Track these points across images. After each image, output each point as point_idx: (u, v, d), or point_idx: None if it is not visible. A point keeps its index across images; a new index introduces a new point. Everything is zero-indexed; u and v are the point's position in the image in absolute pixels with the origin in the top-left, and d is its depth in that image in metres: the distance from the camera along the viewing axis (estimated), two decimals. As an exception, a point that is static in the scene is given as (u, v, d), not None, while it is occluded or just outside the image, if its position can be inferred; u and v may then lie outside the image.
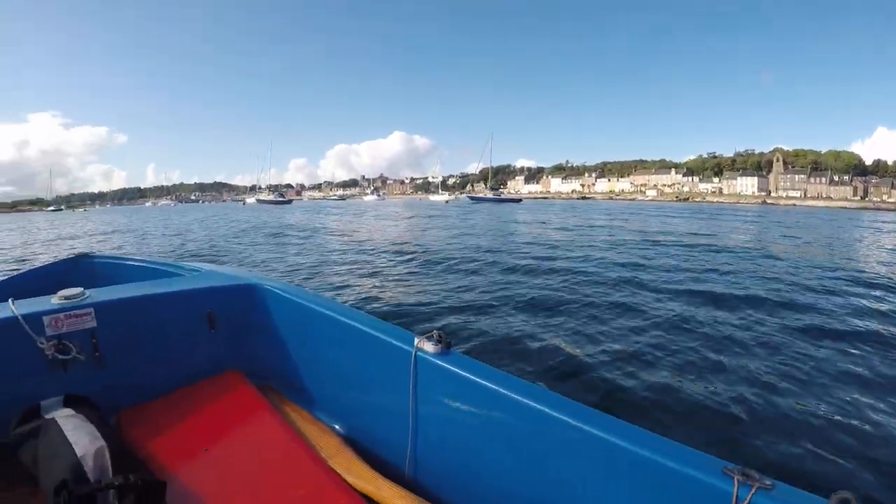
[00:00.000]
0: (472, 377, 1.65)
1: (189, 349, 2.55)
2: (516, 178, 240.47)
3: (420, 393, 1.83)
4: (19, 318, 2.09)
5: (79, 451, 1.63)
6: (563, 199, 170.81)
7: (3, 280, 3.35)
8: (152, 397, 2.40)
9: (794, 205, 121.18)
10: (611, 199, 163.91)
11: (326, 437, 2.19)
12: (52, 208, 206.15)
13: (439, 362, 1.75)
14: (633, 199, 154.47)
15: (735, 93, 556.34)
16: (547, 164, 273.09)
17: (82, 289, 2.34)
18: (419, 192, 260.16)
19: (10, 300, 2.23)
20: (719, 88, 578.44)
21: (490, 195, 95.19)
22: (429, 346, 1.79)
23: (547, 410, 1.47)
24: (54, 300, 2.26)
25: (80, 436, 1.71)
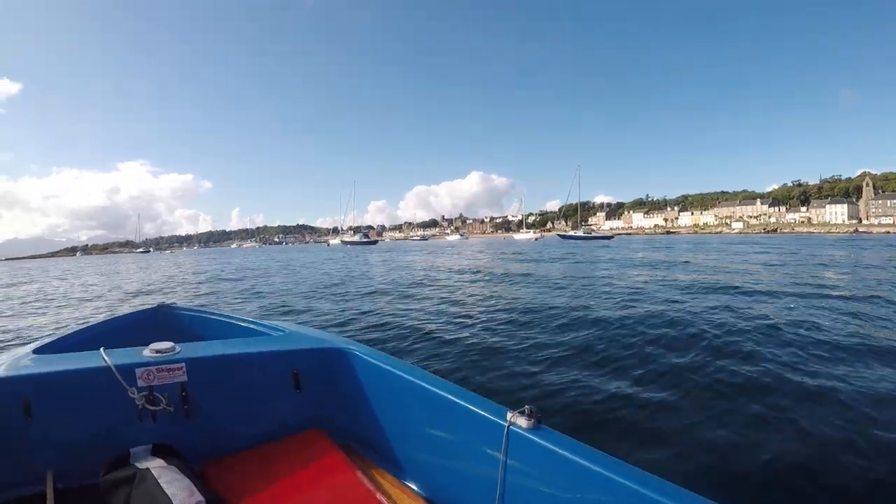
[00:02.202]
0: (564, 453, 1.61)
1: (274, 407, 2.58)
2: (597, 214, 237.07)
3: (510, 465, 1.77)
4: (112, 368, 2.12)
5: None
6: (647, 234, 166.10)
7: (88, 327, 3.33)
8: (236, 451, 2.40)
9: (889, 232, 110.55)
10: (695, 232, 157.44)
11: (412, 502, 2.17)
12: (140, 250, 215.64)
13: (532, 437, 1.71)
14: (720, 232, 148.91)
15: (815, 116, 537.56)
16: (625, 199, 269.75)
17: (173, 343, 2.39)
18: (499, 231, 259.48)
19: (101, 349, 2.26)
20: (799, 112, 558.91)
21: (580, 233, 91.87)
22: (521, 421, 1.74)
23: (643, 491, 1.42)
24: (146, 353, 2.31)
25: (176, 489, 1.73)
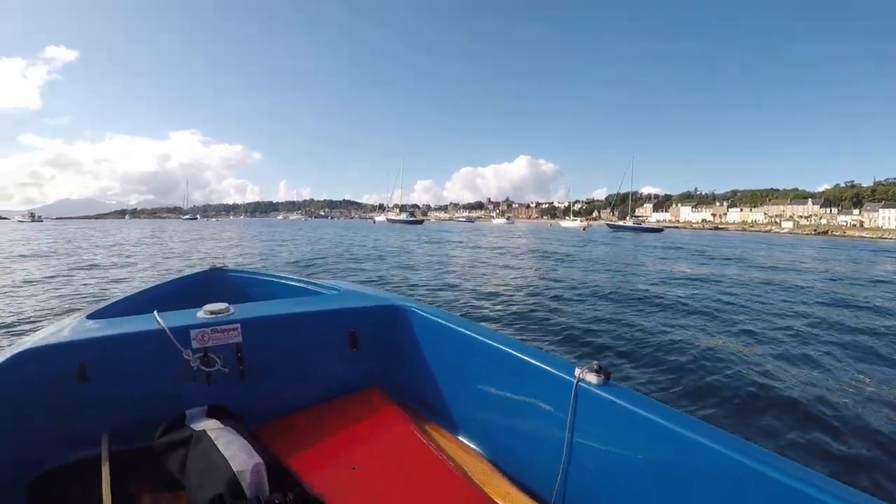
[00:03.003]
0: (637, 410, 1.58)
1: (330, 366, 2.57)
2: (644, 205, 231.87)
3: (578, 423, 1.75)
4: (167, 330, 2.16)
5: (235, 467, 1.65)
6: (694, 228, 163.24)
7: (141, 291, 3.36)
8: (292, 411, 2.43)
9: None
10: (743, 230, 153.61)
11: (474, 460, 2.16)
12: (187, 216, 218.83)
13: (602, 393, 1.69)
14: (769, 231, 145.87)
15: (869, 115, 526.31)
16: (673, 191, 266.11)
17: (227, 304, 2.41)
18: (545, 217, 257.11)
19: (154, 312, 2.31)
20: (855, 110, 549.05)
21: (630, 223, 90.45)
22: (591, 377, 1.71)
23: (723, 451, 1.38)
24: (200, 314, 2.34)
25: (234, 451, 1.73)
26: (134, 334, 2.18)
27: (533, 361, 1.94)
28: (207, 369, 2.22)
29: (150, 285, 3.57)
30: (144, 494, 1.91)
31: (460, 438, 2.31)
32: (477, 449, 2.23)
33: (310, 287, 3.25)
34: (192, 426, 1.97)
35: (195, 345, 2.23)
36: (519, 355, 2.00)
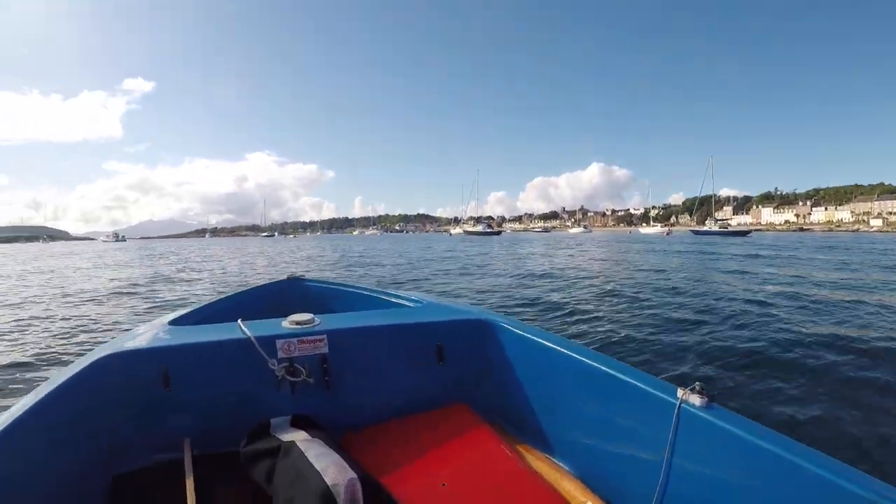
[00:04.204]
0: (742, 434, 1.48)
1: (416, 379, 2.54)
2: (723, 208, 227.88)
3: (678, 447, 1.66)
4: (253, 339, 2.18)
5: (328, 480, 1.61)
6: (778, 230, 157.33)
7: (220, 299, 3.38)
8: (377, 423, 2.41)
9: None
10: (830, 230, 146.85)
11: (567, 480, 2.06)
12: (265, 234, 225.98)
13: (706, 416, 1.59)
14: (856, 231, 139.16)
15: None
16: (752, 192, 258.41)
17: (312, 315, 2.43)
18: (621, 224, 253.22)
19: (238, 320, 2.36)
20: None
21: (716, 228, 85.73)
22: (695, 399, 1.63)
23: (838, 482, 1.27)
24: (285, 324, 2.37)
25: (326, 464, 1.69)
26: (218, 342, 2.22)
27: (632, 381, 1.87)
28: (293, 379, 2.24)
29: (228, 293, 3.64)
30: (226, 501, 1.93)
31: (550, 457, 2.22)
32: (570, 470, 2.14)
33: (391, 299, 3.28)
34: (277, 436, 1.99)
35: (281, 354, 2.25)
36: (615, 374, 1.93)
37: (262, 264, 25.03)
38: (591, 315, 8.26)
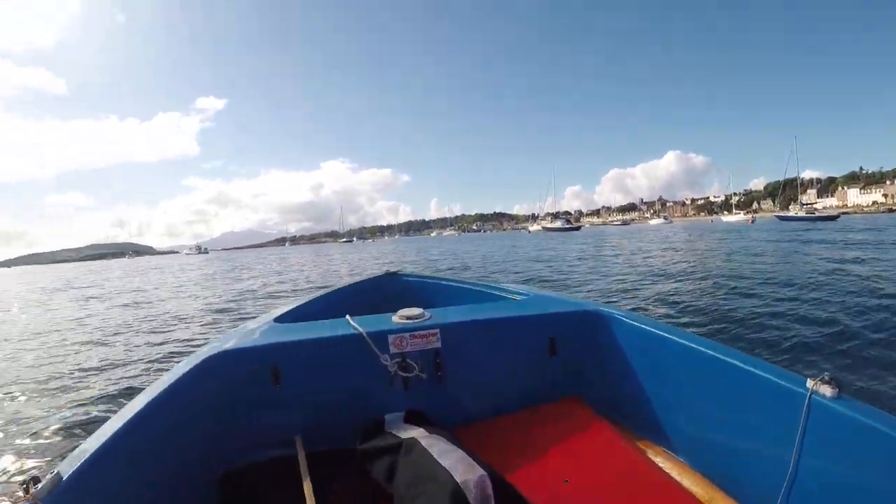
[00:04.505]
0: (878, 426, 1.39)
1: (528, 372, 2.51)
2: (807, 191, 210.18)
3: (808, 441, 1.58)
4: (364, 335, 2.18)
5: (458, 477, 1.56)
6: (866, 212, 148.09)
7: (322, 295, 3.42)
8: (488, 417, 2.40)
9: None
10: None
11: (689, 476, 2.00)
12: (344, 240, 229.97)
13: (838, 408, 1.51)
14: None
15: None
16: (835, 173, 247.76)
17: (422, 309, 2.44)
18: (701, 213, 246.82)
19: (347, 316, 2.38)
20: None
21: (803, 213, 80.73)
22: (826, 390, 1.54)
23: None
24: (396, 319, 2.37)
25: (453, 461, 1.65)
26: (328, 338, 2.23)
27: (756, 371, 1.78)
28: (405, 374, 2.24)
29: (328, 289, 3.69)
30: (344, 498, 1.91)
31: (668, 452, 2.17)
32: (688, 464, 2.07)
33: (495, 292, 3.26)
34: (394, 432, 1.96)
35: (393, 350, 2.24)
36: (737, 363, 1.85)
37: (345, 272, 23.46)
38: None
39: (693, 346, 2.04)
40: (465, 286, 3.55)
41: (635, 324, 2.37)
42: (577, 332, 2.55)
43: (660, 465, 2.07)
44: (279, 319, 2.65)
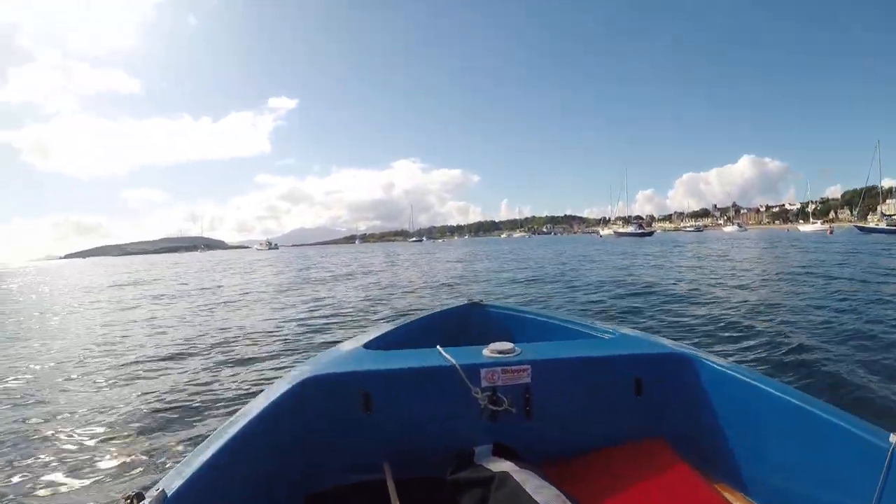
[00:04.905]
0: None
1: (614, 412, 2.51)
2: (885, 201, 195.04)
3: (887, 496, 1.58)
4: (457, 367, 2.20)
5: None
6: None
7: (408, 323, 3.43)
8: (572, 454, 2.39)
9: None
10: None
11: None
12: (413, 239, 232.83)
13: None
14: None
15: None
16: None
17: (512, 344, 2.43)
18: (776, 221, 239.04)
19: (438, 347, 2.41)
20: None
21: (883, 225, 72.19)
22: None
23: None
24: (487, 353, 2.37)
25: (547, 498, 1.69)
26: (420, 368, 2.27)
27: (838, 422, 1.77)
28: (494, 408, 2.24)
29: (413, 317, 3.69)
30: None
31: (748, 498, 2.15)
32: None
33: (582, 329, 3.19)
34: (484, 464, 1.97)
35: (484, 383, 2.26)
36: (820, 413, 1.85)
37: (418, 280, 20.93)
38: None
39: (778, 394, 2.05)
40: (551, 321, 3.53)
41: (722, 369, 2.37)
42: (664, 374, 2.54)
43: None
44: (368, 346, 2.70)
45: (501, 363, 2.29)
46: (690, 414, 2.46)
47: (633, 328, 3.28)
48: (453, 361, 2.24)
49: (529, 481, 1.78)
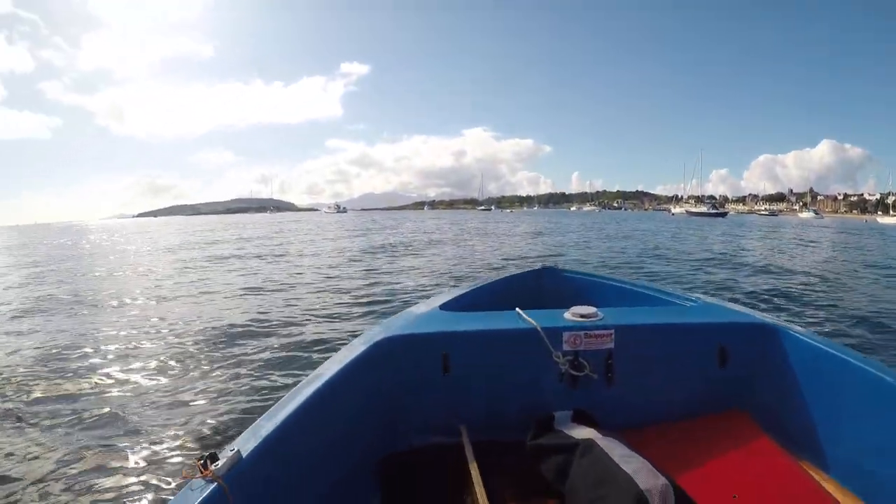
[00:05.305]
0: None
1: (695, 381, 2.44)
2: None
3: None
4: (539, 330, 2.16)
5: (641, 484, 1.54)
6: None
7: (482, 286, 3.38)
8: (652, 423, 2.35)
9: None
10: None
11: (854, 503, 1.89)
12: (482, 208, 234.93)
13: None
14: None
15: None
16: None
17: (595, 308, 2.37)
18: (854, 211, 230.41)
19: (517, 309, 2.38)
20: None
21: None
22: None
23: None
24: (568, 316, 2.33)
25: (635, 467, 1.63)
26: (500, 330, 2.25)
27: None
28: (576, 373, 2.20)
29: (487, 280, 3.63)
30: (506, 490, 1.89)
31: (830, 476, 2.03)
32: (854, 493, 1.93)
33: (662, 296, 3.12)
34: (565, 431, 1.95)
35: (566, 347, 2.21)
36: None
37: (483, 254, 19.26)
38: None
39: (870, 370, 1.93)
40: (629, 287, 3.44)
41: (812, 342, 2.24)
42: (748, 345, 2.44)
43: (827, 489, 1.96)
44: (444, 307, 2.66)
45: (585, 327, 2.25)
46: (776, 387, 2.36)
47: (715, 297, 3.29)
48: (534, 324, 2.20)
49: (615, 449, 1.75)
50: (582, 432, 1.90)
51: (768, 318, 2.61)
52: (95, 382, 4.90)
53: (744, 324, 2.50)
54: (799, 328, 2.41)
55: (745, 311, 2.78)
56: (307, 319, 7.39)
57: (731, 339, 2.43)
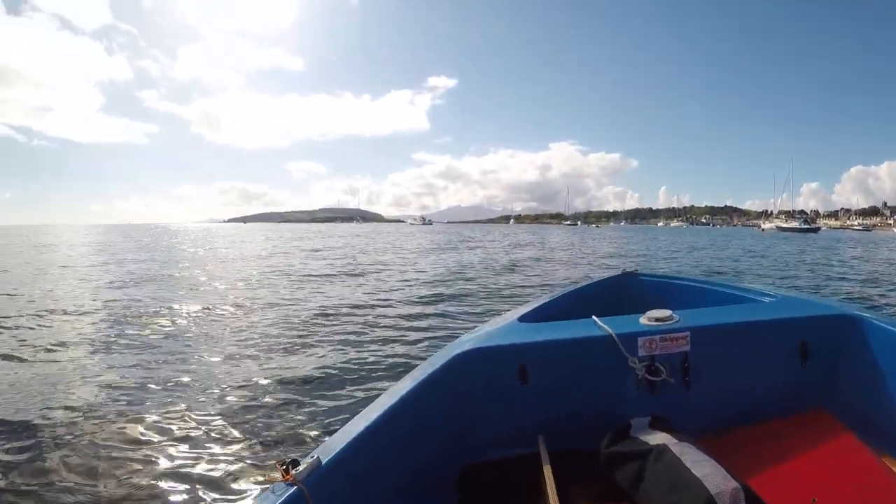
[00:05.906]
0: None
1: (775, 380, 2.36)
2: None
3: None
4: (614, 336, 2.14)
5: (711, 489, 1.52)
6: None
7: (562, 295, 3.35)
8: (731, 425, 2.27)
9: None
10: None
11: None
12: (568, 223, 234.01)
13: None
14: None
15: None
16: None
17: (671, 311, 2.31)
18: None
19: (593, 317, 2.33)
20: None
21: None
22: None
23: None
24: (644, 321, 2.27)
25: (706, 471, 1.61)
26: (575, 339, 2.22)
27: None
28: (653, 378, 2.16)
29: (566, 289, 3.62)
30: (581, 499, 1.88)
31: None
32: None
33: (742, 294, 3.05)
34: (640, 437, 1.92)
35: (642, 352, 2.17)
36: None
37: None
38: None
39: None
40: (707, 286, 3.37)
41: None
42: (833, 338, 2.34)
43: None
44: (523, 318, 2.62)
45: (660, 331, 2.20)
46: (862, 380, 2.29)
47: (797, 291, 3.00)
48: (609, 331, 2.17)
49: (688, 454, 1.72)
50: (657, 438, 1.87)
51: (851, 308, 2.56)
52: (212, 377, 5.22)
53: (825, 316, 2.42)
54: (886, 318, 2.34)
55: (827, 303, 2.80)
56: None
57: (812, 333, 2.35)
